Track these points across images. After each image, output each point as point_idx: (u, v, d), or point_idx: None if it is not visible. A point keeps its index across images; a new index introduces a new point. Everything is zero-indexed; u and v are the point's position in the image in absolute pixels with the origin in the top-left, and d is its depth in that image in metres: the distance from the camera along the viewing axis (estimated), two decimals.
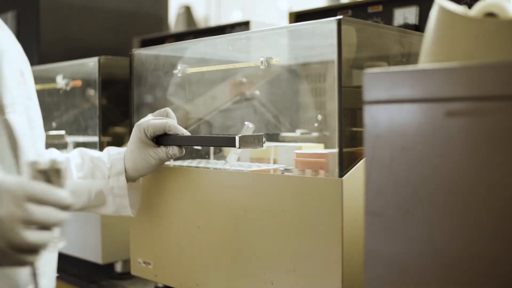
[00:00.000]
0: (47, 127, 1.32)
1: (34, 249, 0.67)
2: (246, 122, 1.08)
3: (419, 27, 1.29)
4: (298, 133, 1.33)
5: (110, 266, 1.44)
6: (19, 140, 0.91)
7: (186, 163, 1.19)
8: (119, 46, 2.09)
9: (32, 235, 0.66)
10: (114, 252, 1.41)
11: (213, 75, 1.23)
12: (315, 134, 1.32)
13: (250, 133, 1.02)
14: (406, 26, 1.31)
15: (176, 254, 1.12)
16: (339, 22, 0.86)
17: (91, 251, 1.42)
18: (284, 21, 1.63)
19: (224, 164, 1.12)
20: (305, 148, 1.09)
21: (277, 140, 1.27)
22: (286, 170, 1.02)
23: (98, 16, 2.03)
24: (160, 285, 1.25)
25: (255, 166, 1.08)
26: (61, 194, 0.69)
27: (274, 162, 1.09)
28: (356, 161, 0.89)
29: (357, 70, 1.00)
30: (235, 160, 1.10)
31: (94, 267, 1.47)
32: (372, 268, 0.62)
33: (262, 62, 1.02)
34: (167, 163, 1.11)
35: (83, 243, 1.44)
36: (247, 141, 0.95)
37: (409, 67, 0.59)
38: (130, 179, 1.09)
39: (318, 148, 1.13)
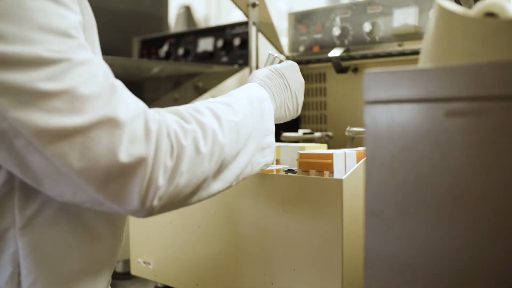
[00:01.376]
0: None
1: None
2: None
3: (419, 27, 1.29)
4: (300, 133, 1.33)
5: None
6: None
7: None
8: (119, 46, 2.09)
9: None
10: None
11: None
12: (318, 134, 1.32)
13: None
14: (406, 26, 1.31)
15: (176, 254, 1.12)
16: None
17: None
18: (284, 22, 1.63)
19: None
20: (308, 148, 1.09)
21: (279, 140, 1.26)
22: (290, 170, 1.02)
23: (98, 16, 2.04)
24: (160, 285, 1.25)
25: None
26: None
27: (277, 163, 1.09)
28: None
29: None
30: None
31: None
32: (372, 268, 0.62)
33: None
34: None
35: None
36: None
37: (409, 67, 0.59)
38: None
39: (321, 149, 1.13)
